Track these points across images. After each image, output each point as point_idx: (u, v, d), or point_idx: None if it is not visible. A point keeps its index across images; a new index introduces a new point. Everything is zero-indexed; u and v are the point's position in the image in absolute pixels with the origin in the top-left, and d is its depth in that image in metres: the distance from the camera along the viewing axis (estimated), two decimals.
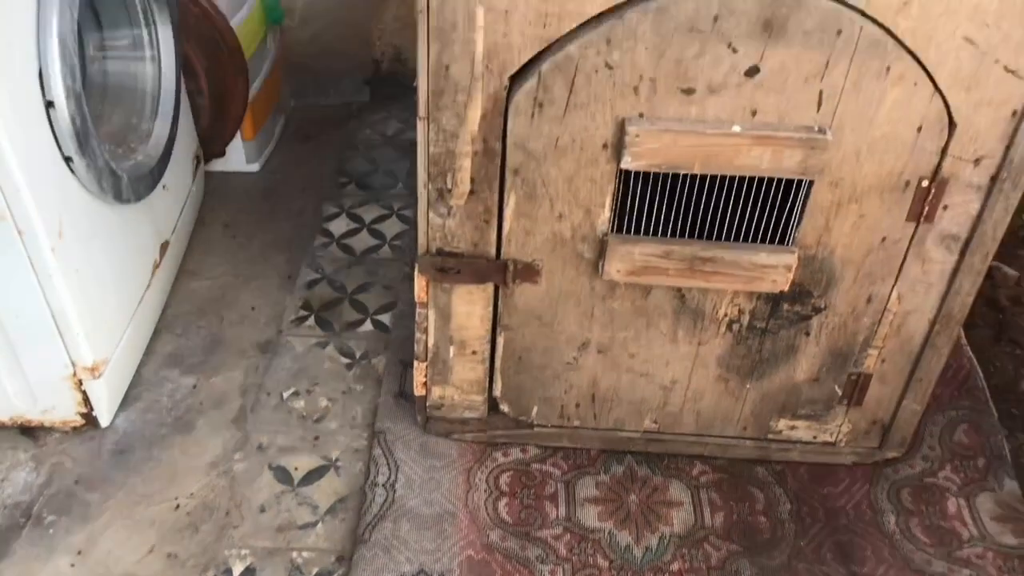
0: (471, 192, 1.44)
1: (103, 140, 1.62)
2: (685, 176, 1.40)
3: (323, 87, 2.68)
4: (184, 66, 1.98)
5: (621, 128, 1.34)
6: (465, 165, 1.41)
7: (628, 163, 1.36)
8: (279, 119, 2.55)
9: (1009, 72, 1.28)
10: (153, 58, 1.74)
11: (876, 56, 1.27)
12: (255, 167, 2.41)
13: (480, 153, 1.40)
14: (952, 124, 1.33)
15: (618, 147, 1.36)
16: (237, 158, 2.37)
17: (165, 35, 1.76)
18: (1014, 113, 1.31)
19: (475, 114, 1.36)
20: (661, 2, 1.24)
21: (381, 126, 2.62)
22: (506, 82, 1.33)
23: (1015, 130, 1.33)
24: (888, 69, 1.28)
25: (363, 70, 2.70)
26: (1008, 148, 1.35)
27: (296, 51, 2.60)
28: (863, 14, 1.24)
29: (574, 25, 1.27)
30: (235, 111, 2.23)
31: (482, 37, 1.29)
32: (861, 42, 1.26)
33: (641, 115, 1.34)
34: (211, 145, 2.28)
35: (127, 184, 1.67)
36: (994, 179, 1.38)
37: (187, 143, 2.06)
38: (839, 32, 1.25)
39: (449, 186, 1.44)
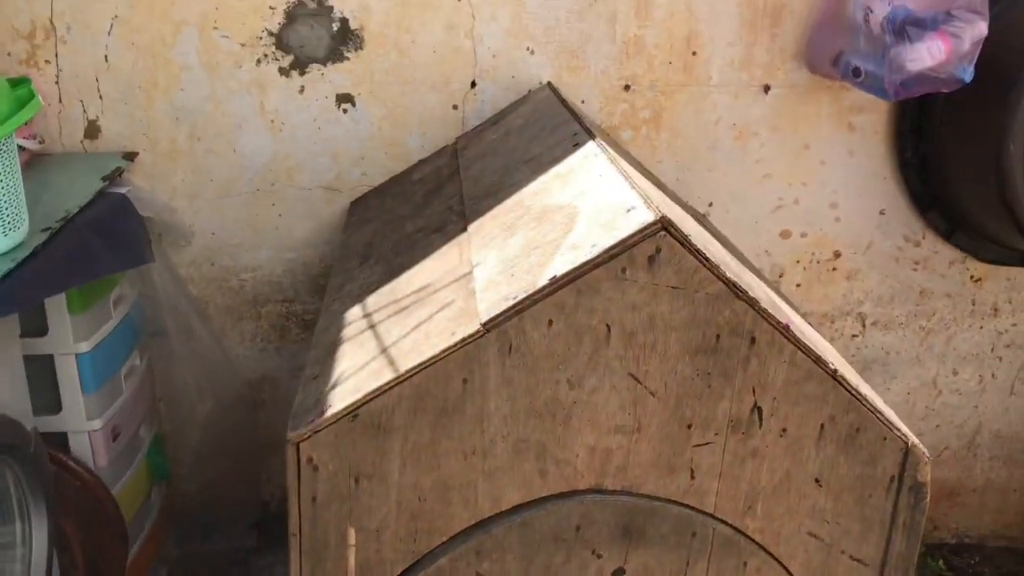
0: None
1: None
2: None
3: (209, 533, 2.64)
4: (58, 540, 1.94)
5: None
6: None
7: None
8: (160, 573, 2.47)
9: (856, 560, 1.36)
10: (23, 557, 1.70)
11: (732, 553, 1.34)
12: None
13: None
14: None
15: None
16: None
17: (39, 529, 1.74)
18: None
19: None
20: (525, 516, 1.31)
21: (266, 574, 2.56)
22: None
23: None
24: (745, 564, 1.35)
25: (251, 513, 2.69)
26: None
27: (182, 500, 2.58)
28: (713, 517, 1.33)
29: (444, 539, 1.32)
30: None
31: (354, 554, 1.31)
32: (715, 541, 1.33)
33: None
34: None
35: None
36: None
37: None
38: (694, 534, 1.33)
39: None
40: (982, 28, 1.93)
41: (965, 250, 2.42)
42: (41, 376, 1.97)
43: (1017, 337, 2.52)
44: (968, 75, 1.96)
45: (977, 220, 2.31)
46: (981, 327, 2.51)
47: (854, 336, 2.51)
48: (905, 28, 1.95)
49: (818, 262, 2.43)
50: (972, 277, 2.46)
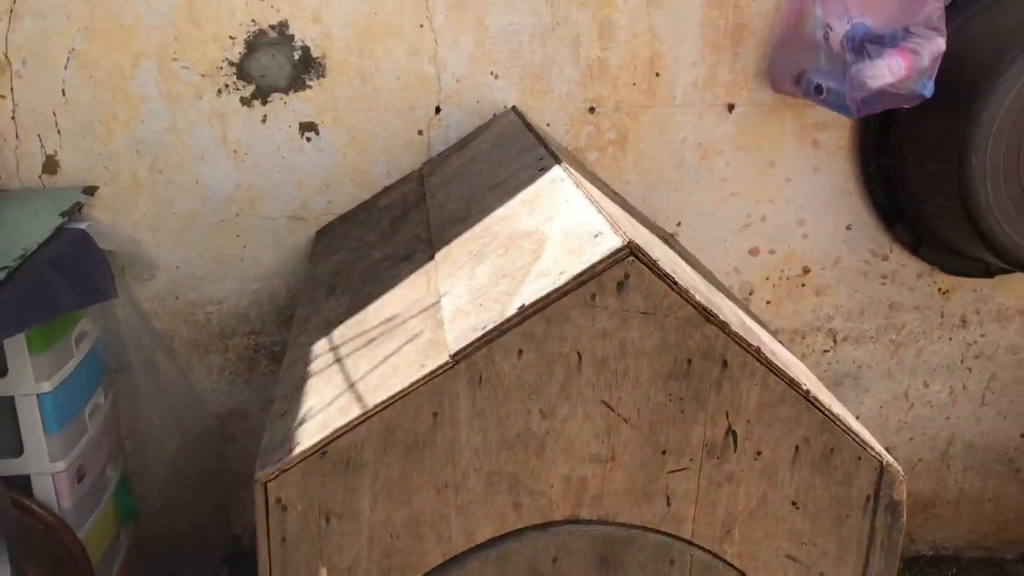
0: None
1: None
2: None
3: (179, 571, 2.58)
4: None
5: None
6: None
7: None
8: None
9: None
10: None
11: None
12: None
13: None
14: None
15: None
16: None
17: None
18: None
19: None
20: (500, 550, 1.28)
21: None
22: None
23: None
24: None
25: (222, 548, 2.64)
26: None
27: (151, 537, 2.53)
28: (691, 543, 1.31)
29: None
30: None
31: None
32: (694, 568, 1.32)
33: None
34: None
35: None
36: None
37: None
38: (672, 561, 1.31)
39: None
40: (940, 44, 1.95)
41: (932, 263, 2.43)
42: (2, 418, 1.92)
43: (986, 348, 2.53)
44: (928, 90, 1.98)
45: (942, 233, 2.33)
46: (950, 339, 2.52)
47: (825, 351, 2.51)
48: (865, 45, 1.97)
49: (787, 279, 2.44)
50: (940, 289, 2.48)
